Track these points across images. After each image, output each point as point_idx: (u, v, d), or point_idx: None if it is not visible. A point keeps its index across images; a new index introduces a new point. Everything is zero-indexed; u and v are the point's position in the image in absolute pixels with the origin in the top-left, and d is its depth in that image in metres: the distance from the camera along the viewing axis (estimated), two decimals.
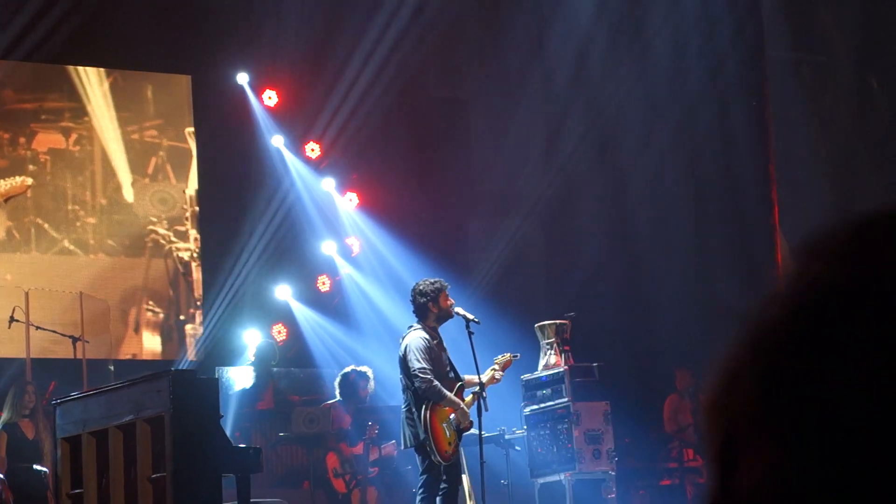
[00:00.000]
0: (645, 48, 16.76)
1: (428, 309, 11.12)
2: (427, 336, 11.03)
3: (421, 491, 11.02)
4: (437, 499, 10.93)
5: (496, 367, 11.38)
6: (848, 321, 1.08)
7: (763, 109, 15.95)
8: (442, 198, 17.30)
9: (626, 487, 13.70)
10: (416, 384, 10.87)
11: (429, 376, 10.84)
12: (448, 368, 11.09)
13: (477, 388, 11.13)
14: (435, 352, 11.00)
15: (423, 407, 10.94)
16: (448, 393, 10.90)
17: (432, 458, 10.91)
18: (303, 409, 14.23)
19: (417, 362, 10.89)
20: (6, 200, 15.58)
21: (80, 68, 16.25)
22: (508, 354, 11.59)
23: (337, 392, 14.00)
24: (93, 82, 16.31)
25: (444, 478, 10.93)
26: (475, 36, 17.57)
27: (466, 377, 11.15)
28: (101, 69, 16.34)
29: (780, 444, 1.09)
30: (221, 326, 16.08)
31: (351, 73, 16.83)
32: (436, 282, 11.22)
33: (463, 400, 11.04)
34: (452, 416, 10.94)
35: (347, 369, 14.15)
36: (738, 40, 16.16)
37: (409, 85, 17.20)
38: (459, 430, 10.96)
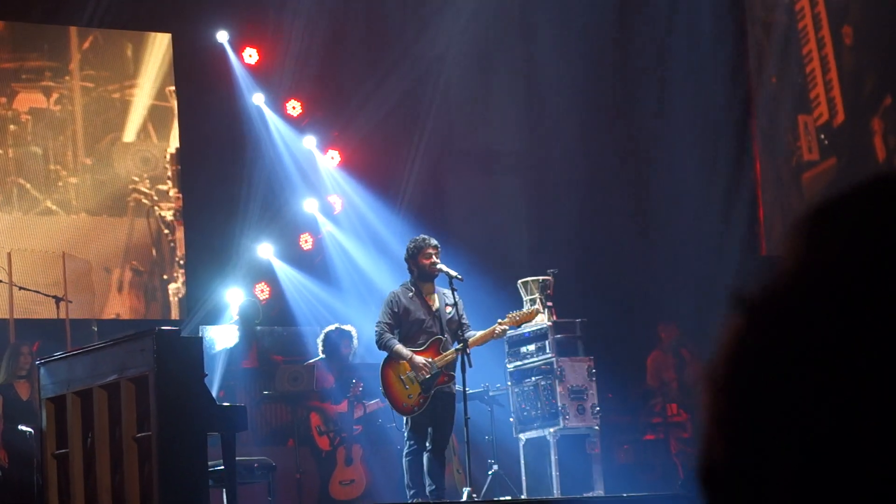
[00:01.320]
0: None
1: (410, 267, 11.25)
2: (400, 291, 11.22)
3: (407, 446, 11.09)
4: (425, 455, 10.97)
5: (503, 320, 11.32)
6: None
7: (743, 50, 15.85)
8: (422, 155, 17.25)
9: (610, 443, 13.75)
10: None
11: (377, 329, 11.11)
12: (429, 322, 11.12)
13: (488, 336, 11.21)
14: (403, 305, 11.09)
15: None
16: (396, 345, 11.02)
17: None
18: (286, 367, 14.24)
19: (378, 317, 11.17)
20: None
21: (61, 27, 16.15)
22: (533, 309, 11.61)
23: (320, 350, 14.01)
24: (73, 41, 16.23)
25: (430, 433, 10.97)
26: None
27: (480, 333, 11.16)
28: (82, 28, 16.24)
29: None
30: (204, 286, 16.04)
31: (332, 31, 16.77)
32: (416, 240, 11.29)
33: (445, 354, 11.05)
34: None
35: (331, 328, 14.16)
36: None
37: (390, 42, 17.14)
38: (425, 383, 10.98)
